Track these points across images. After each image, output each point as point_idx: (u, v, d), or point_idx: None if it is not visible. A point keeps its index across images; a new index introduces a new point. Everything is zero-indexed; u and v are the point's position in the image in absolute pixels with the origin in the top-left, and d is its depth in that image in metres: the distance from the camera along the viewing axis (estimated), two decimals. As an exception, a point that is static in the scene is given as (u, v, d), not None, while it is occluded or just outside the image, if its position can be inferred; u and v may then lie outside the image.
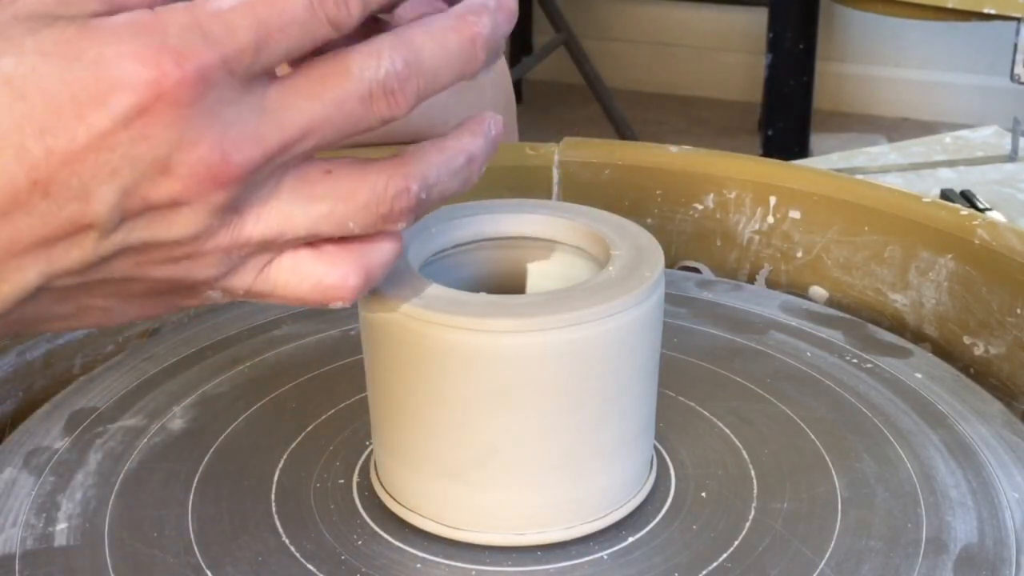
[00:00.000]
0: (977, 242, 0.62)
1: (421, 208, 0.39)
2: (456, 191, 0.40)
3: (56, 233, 0.34)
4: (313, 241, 0.38)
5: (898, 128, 2.72)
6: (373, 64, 0.36)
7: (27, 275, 0.35)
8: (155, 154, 0.34)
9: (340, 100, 0.36)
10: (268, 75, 0.36)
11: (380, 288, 0.42)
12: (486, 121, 0.41)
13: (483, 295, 0.43)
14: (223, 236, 0.37)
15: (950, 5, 1.33)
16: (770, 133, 2.48)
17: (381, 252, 0.39)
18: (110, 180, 0.34)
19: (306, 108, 0.36)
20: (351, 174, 0.38)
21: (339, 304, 0.39)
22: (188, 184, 0.34)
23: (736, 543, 0.45)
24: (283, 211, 0.37)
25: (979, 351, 0.62)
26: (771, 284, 0.70)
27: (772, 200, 0.70)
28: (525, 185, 0.71)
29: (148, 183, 0.34)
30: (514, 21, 0.40)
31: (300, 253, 0.38)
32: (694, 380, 0.56)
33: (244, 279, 0.38)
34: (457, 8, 0.39)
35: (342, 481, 0.48)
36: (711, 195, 0.71)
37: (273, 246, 0.38)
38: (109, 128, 0.33)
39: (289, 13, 0.35)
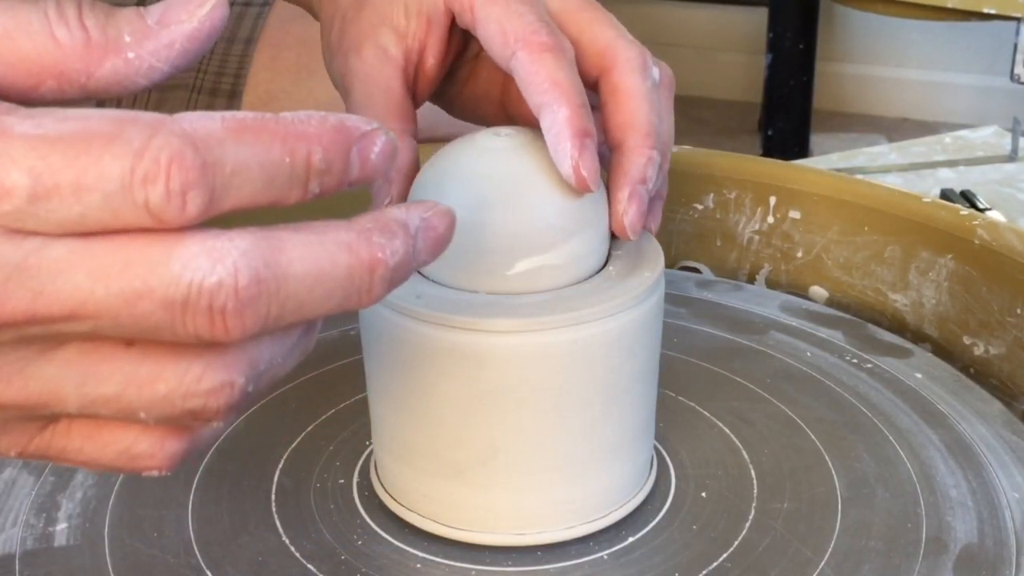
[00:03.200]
0: (977, 242, 0.62)
1: (247, 402, 0.31)
2: (290, 370, 0.32)
3: None
4: None
5: (898, 128, 2.72)
6: (205, 265, 0.28)
7: None
8: None
9: (135, 295, 0.28)
10: (68, 234, 0.28)
11: None
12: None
13: (483, 295, 0.43)
14: None
15: (950, 5, 1.33)
16: (770, 133, 2.48)
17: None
18: None
19: (84, 287, 0.28)
20: (158, 355, 0.29)
21: (154, 474, 0.32)
22: None
23: (736, 543, 0.45)
24: (48, 382, 0.30)
25: (979, 351, 0.62)
26: (771, 284, 0.70)
27: (772, 200, 0.70)
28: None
29: None
30: (441, 249, 0.32)
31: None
32: (694, 380, 0.56)
33: (12, 441, 0.32)
34: (363, 219, 0.31)
35: (342, 481, 0.48)
36: (711, 195, 0.71)
37: (42, 414, 0.31)
38: None
39: (92, 176, 0.27)
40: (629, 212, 0.45)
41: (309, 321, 0.31)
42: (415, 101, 0.50)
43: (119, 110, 0.28)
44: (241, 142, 0.28)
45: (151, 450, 0.32)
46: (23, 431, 0.32)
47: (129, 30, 0.30)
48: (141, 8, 0.31)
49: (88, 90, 0.30)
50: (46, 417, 0.31)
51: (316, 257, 0.29)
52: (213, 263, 0.28)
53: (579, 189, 0.43)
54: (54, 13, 0.30)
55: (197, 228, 0.28)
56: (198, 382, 0.30)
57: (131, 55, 0.30)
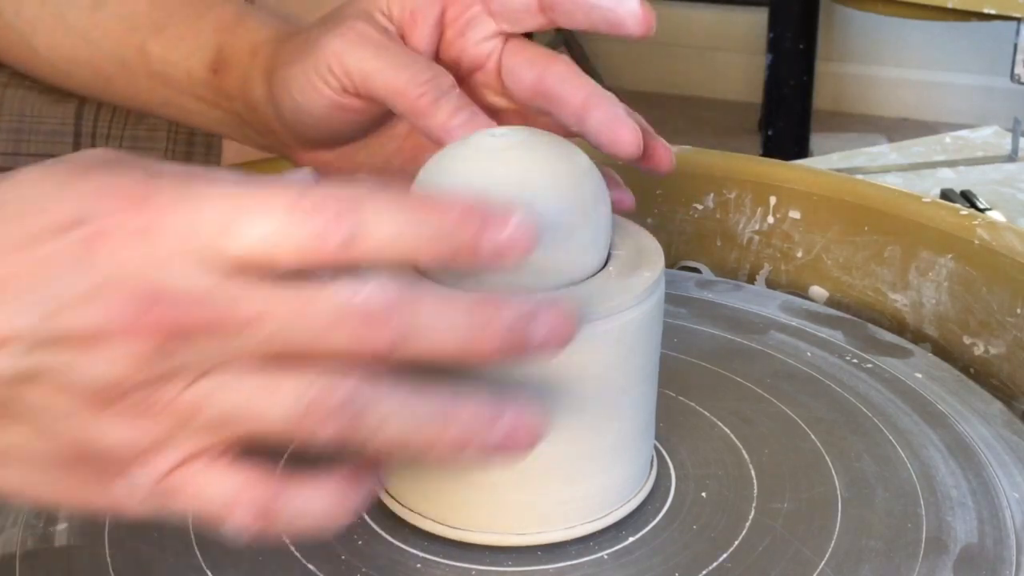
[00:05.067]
0: (977, 242, 0.62)
1: (354, 426, 0.34)
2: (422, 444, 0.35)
3: None
4: (230, 452, 0.36)
5: (898, 128, 2.72)
6: (354, 287, 0.33)
7: None
8: (91, 277, 0.33)
9: (303, 303, 0.33)
10: (250, 268, 0.34)
11: None
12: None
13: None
14: (141, 395, 0.34)
15: (950, 5, 1.33)
16: (770, 133, 2.48)
17: (305, 494, 0.36)
18: (43, 293, 0.33)
19: (264, 299, 0.33)
20: (296, 363, 0.34)
21: (237, 521, 0.36)
22: (111, 318, 0.33)
23: (736, 543, 0.45)
24: (206, 390, 0.34)
25: (979, 351, 0.62)
26: (771, 284, 0.70)
27: (772, 200, 0.70)
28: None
29: (75, 305, 0.33)
30: (562, 336, 0.35)
31: (223, 460, 0.36)
32: (694, 380, 0.56)
33: (157, 466, 0.35)
34: (485, 297, 0.36)
35: (342, 481, 0.48)
36: (711, 195, 0.71)
37: (192, 425, 0.35)
38: (54, 248, 0.33)
39: (268, 204, 0.33)
40: (624, 126, 0.49)
41: (433, 354, 0.34)
42: None
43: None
44: (387, 196, 0.34)
45: (231, 499, 0.35)
46: (166, 456, 0.35)
47: None
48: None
49: None
50: (189, 434, 0.35)
51: (443, 302, 0.34)
52: (362, 285, 0.33)
53: (647, 27, 0.49)
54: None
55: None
56: (309, 387, 0.34)
57: None
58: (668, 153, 0.52)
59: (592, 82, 0.51)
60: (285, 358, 0.34)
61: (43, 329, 0.33)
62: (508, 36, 0.53)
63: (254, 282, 0.33)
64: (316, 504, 0.36)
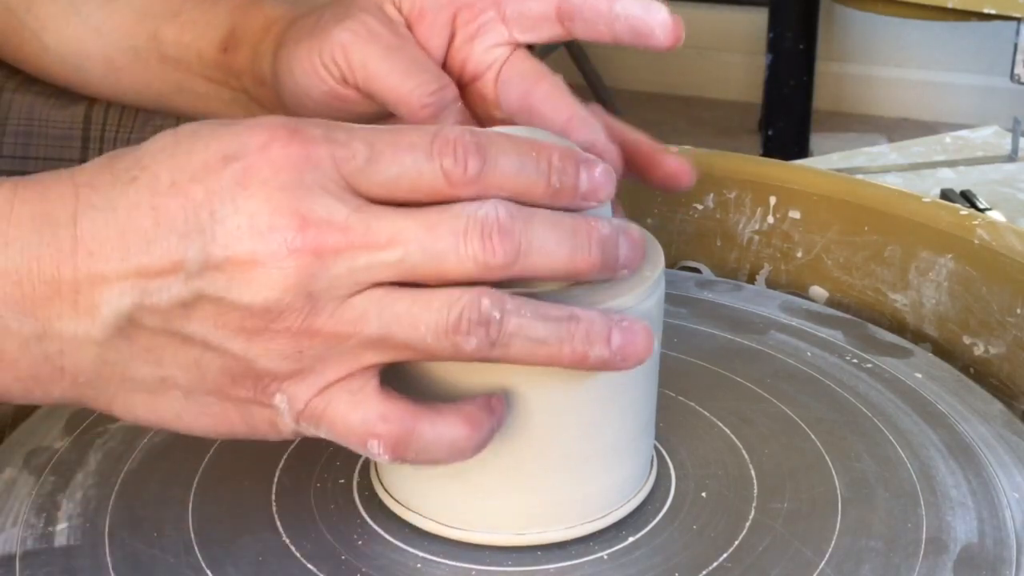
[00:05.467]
0: (977, 242, 0.62)
1: (492, 340, 0.37)
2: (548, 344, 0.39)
3: (154, 266, 0.37)
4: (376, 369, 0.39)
5: (898, 128, 2.72)
6: (476, 206, 0.37)
7: (123, 300, 0.37)
8: (246, 206, 0.36)
9: (433, 223, 0.37)
10: (385, 201, 0.38)
11: None
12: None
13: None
14: (294, 318, 0.37)
15: (950, 5, 1.32)
16: (770, 133, 2.48)
17: (437, 428, 0.39)
18: (202, 224, 0.37)
19: (398, 221, 0.37)
20: (433, 288, 0.38)
21: (373, 450, 0.39)
22: (263, 243, 0.36)
23: (736, 543, 0.45)
24: (359, 309, 0.37)
25: (979, 351, 0.62)
26: (771, 284, 0.70)
27: (772, 200, 0.70)
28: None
29: (231, 233, 0.36)
30: (636, 258, 0.41)
31: (367, 387, 0.39)
32: (694, 380, 0.56)
33: (305, 389, 0.39)
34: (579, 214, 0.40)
35: (342, 481, 0.48)
36: (711, 195, 0.71)
37: (347, 344, 0.38)
38: (212, 183, 0.37)
39: (405, 142, 0.38)
40: (604, 152, 0.50)
41: (543, 269, 0.38)
42: None
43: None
44: (503, 138, 0.39)
45: (370, 426, 0.39)
46: (315, 380, 0.38)
47: None
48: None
49: None
50: (336, 357, 0.38)
51: (553, 218, 0.38)
52: (481, 205, 0.37)
53: (676, 37, 0.52)
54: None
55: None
56: (459, 299, 0.37)
57: None
58: (682, 166, 0.53)
59: (577, 104, 0.51)
60: (421, 282, 0.37)
61: (202, 258, 0.37)
62: (515, 47, 0.53)
63: (387, 209, 0.37)
64: (446, 438, 0.39)
